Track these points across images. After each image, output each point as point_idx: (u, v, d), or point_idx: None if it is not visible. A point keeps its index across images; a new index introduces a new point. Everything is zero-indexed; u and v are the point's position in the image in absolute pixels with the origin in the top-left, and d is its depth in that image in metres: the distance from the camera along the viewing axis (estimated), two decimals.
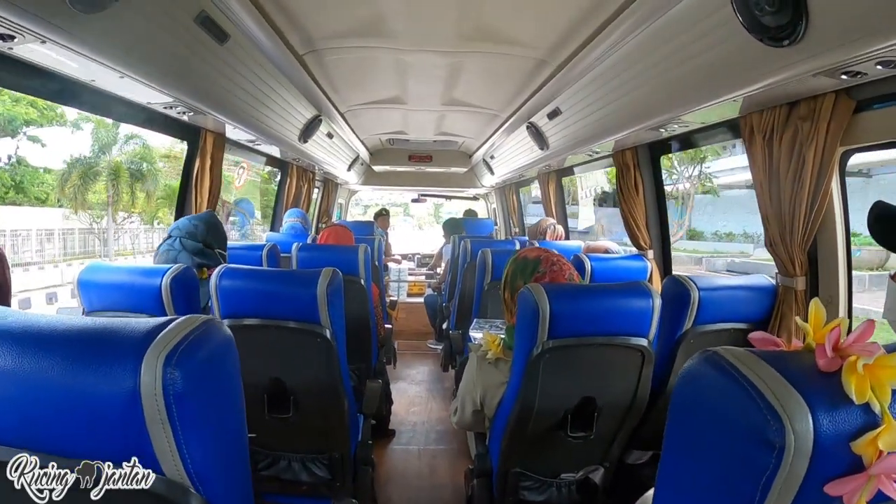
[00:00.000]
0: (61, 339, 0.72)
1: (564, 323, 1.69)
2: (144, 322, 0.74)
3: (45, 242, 21.99)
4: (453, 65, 3.04)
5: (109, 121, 22.66)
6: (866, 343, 0.65)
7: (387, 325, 3.98)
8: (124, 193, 24.06)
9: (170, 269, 2.00)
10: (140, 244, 26.21)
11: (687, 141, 3.03)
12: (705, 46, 1.88)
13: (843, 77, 1.67)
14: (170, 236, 2.40)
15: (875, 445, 0.59)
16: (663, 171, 3.48)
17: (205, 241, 2.38)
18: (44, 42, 1.52)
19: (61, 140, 25.39)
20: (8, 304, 1.48)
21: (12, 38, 1.50)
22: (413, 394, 4.79)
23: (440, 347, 5.55)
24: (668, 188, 18.29)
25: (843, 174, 2.03)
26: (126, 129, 23.41)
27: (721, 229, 21.58)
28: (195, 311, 2.10)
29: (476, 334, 2.70)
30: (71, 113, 24.14)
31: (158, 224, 25.75)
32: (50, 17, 1.42)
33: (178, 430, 0.70)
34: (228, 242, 2.58)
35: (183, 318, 0.76)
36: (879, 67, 1.55)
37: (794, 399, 0.59)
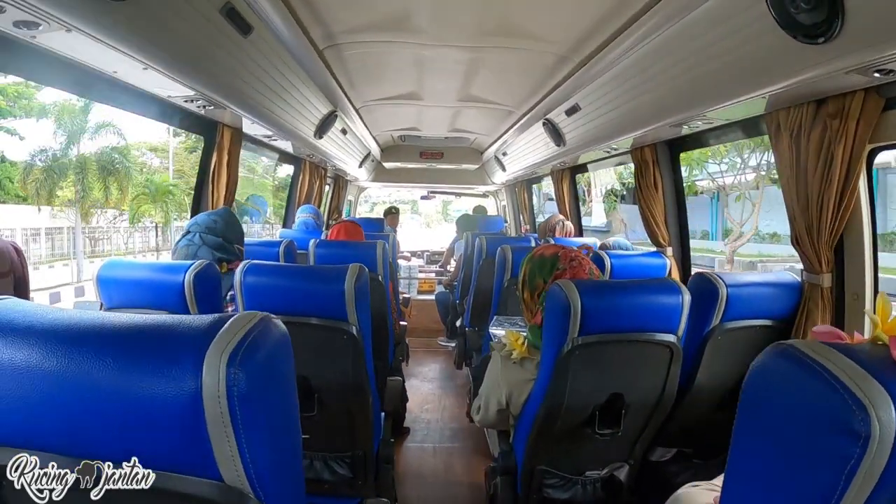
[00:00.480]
0: (111, 337, 0.69)
1: (595, 319, 1.69)
2: (197, 319, 0.71)
3: (30, 243, 20.67)
4: (473, 60, 3.03)
5: (78, 106, 20.75)
6: None
7: (402, 323, 3.99)
8: (95, 190, 21.86)
9: (192, 265, 1.99)
10: (134, 245, 24.67)
11: (706, 138, 3.02)
12: (736, 43, 1.87)
13: (876, 75, 1.66)
14: (188, 232, 2.40)
15: None
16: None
17: (224, 236, 2.38)
18: (69, 30, 1.51)
19: (32, 130, 23.31)
20: (27, 298, 1.49)
21: (37, 25, 1.48)
22: (426, 391, 4.80)
23: (452, 345, 5.55)
24: (728, 180, 15.52)
25: (870, 172, 2.02)
26: (96, 117, 21.46)
27: (764, 229, 19.45)
28: (218, 307, 2.10)
29: (497, 331, 2.69)
30: (46, 98, 21.80)
31: (152, 223, 24.66)
32: (76, 4, 1.41)
33: (241, 433, 0.67)
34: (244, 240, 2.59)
35: (239, 314, 0.72)
36: None
37: (876, 389, 0.59)
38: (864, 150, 1.90)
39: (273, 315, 0.78)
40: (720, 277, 2.03)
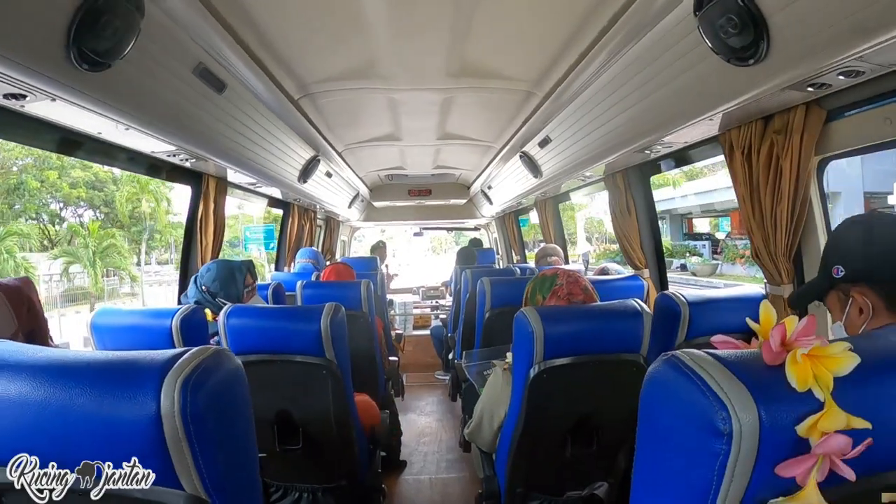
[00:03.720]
0: (88, 369, 0.78)
1: (559, 343, 1.74)
2: (161, 353, 0.81)
3: None
4: (445, 100, 3.12)
5: None
6: (809, 337, 0.72)
7: (392, 358, 4.02)
8: None
9: (178, 310, 2.06)
10: None
11: (673, 161, 3.09)
12: (681, 69, 1.96)
13: (810, 89, 1.74)
14: (194, 282, 2.53)
15: (817, 428, 0.66)
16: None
17: (222, 291, 2.50)
18: (54, 100, 1.62)
19: None
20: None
21: (24, 97, 1.60)
22: (423, 424, 4.82)
23: (448, 378, 5.56)
24: None
25: (821, 182, 2.08)
26: None
27: None
28: None
29: (470, 367, 2.69)
30: None
31: None
32: (58, 77, 1.49)
33: (196, 448, 0.77)
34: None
35: (196, 348, 0.82)
36: (842, 77, 1.62)
37: (738, 390, 0.67)
38: (810, 162, 1.97)
39: (227, 349, 0.87)
40: (682, 297, 2.09)
